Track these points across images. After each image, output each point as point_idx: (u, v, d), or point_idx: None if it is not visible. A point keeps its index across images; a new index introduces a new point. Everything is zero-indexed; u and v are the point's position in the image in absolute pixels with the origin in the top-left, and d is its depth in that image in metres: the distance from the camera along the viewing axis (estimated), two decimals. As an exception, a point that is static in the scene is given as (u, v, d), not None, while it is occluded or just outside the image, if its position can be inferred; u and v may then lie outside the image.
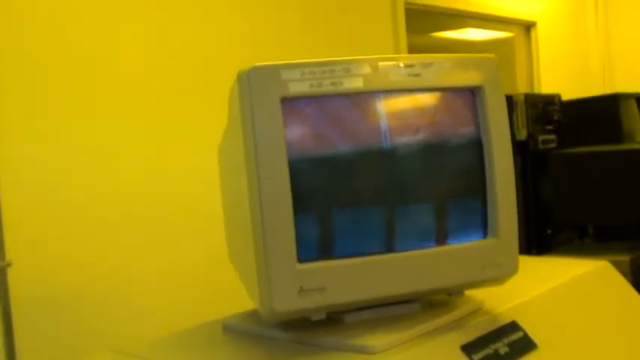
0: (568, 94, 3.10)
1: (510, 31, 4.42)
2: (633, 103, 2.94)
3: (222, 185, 1.24)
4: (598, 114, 2.84)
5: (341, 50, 2.87)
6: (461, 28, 4.95)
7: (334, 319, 1.06)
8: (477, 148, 1.06)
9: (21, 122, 2.00)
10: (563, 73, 4.57)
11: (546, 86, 4.39)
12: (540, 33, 4.36)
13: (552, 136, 2.97)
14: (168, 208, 2.34)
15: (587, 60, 4.90)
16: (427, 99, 1.04)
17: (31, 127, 2.03)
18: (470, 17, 3.85)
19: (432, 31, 3.93)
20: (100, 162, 2.17)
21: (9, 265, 1.89)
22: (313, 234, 0.96)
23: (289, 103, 0.95)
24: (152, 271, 2.28)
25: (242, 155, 0.97)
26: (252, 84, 0.94)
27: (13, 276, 1.90)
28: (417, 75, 1.02)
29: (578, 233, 2.84)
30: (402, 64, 1.01)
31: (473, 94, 1.06)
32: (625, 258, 1.78)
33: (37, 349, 1.94)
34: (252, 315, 1.18)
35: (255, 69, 0.94)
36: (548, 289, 1.26)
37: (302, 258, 0.95)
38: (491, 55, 1.07)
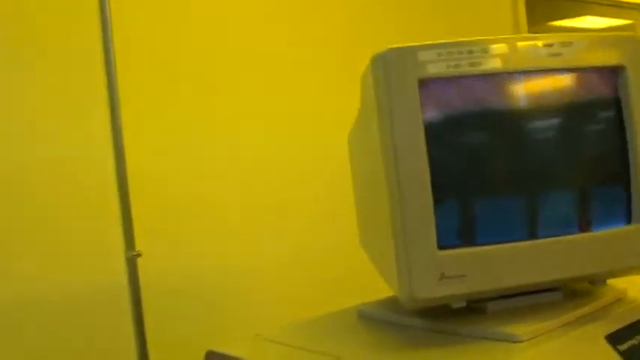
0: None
1: (631, 17, 4.25)
2: None
3: (354, 172, 1.24)
4: None
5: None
6: (579, 16, 4.77)
7: (474, 307, 1.03)
8: (619, 130, 1.02)
9: (150, 113, 2.06)
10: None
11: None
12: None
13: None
14: (293, 198, 2.36)
15: None
16: (568, 79, 1.00)
17: (160, 118, 2.08)
18: (589, 3, 3.70)
19: (550, 21, 3.81)
20: (227, 153, 2.21)
21: (139, 255, 1.95)
22: (453, 220, 0.95)
23: (426, 84, 0.93)
24: (278, 262, 2.30)
25: (378, 141, 0.96)
26: (389, 66, 0.93)
27: (143, 266, 1.96)
28: (556, 55, 0.98)
29: None
30: (540, 44, 0.98)
31: (615, 73, 1.02)
32: None
33: (168, 339, 2.00)
34: (388, 302, 1.18)
35: (391, 51, 0.93)
36: (694, 279, 1.20)
37: (442, 245, 0.94)
38: (633, 34, 1.02)
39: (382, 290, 1.18)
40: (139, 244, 1.96)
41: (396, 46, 0.93)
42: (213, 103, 2.20)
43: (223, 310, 2.15)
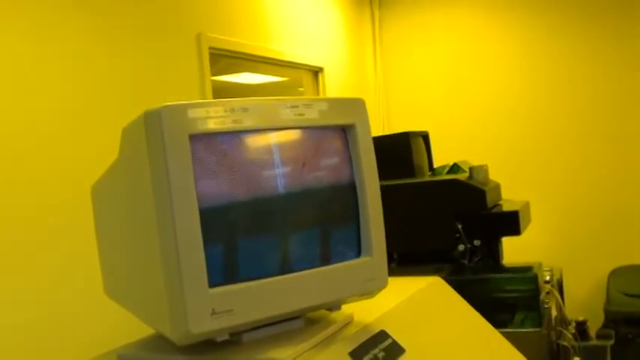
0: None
1: (295, 75, 4.64)
2: (421, 141, 3.26)
3: (102, 224, 1.28)
4: (392, 151, 3.11)
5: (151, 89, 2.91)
6: (238, 72, 5.08)
7: (230, 340, 1.14)
8: (351, 180, 1.20)
9: None
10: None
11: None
12: (327, 77, 4.65)
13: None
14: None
15: (368, 103, 5.29)
16: (310, 135, 1.16)
17: None
18: (248, 60, 3.90)
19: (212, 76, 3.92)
20: None
21: None
22: (219, 262, 1.05)
23: (196, 139, 1.04)
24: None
25: (148, 190, 1.04)
26: (163, 122, 1.01)
27: None
28: (301, 114, 1.15)
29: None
30: (288, 105, 1.13)
31: (347, 130, 1.21)
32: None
33: None
34: (147, 343, 1.23)
35: (164, 108, 1.02)
36: (400, 302, 1.43)
37: (212, 283, 1.04)
38: (361, 98, 1.22)
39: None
40: None
41: (167, 104, 1.02)
42: None
43: None
